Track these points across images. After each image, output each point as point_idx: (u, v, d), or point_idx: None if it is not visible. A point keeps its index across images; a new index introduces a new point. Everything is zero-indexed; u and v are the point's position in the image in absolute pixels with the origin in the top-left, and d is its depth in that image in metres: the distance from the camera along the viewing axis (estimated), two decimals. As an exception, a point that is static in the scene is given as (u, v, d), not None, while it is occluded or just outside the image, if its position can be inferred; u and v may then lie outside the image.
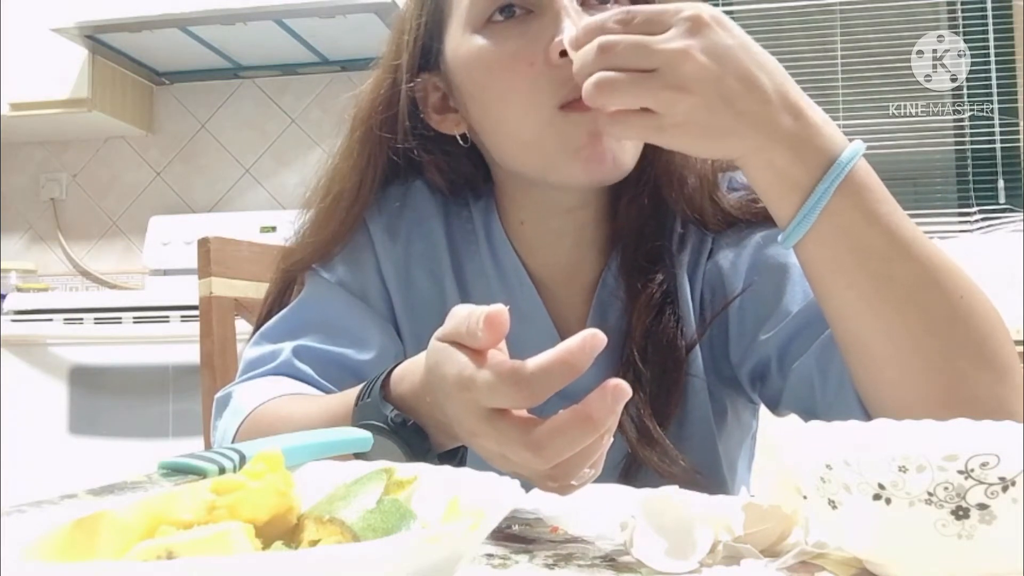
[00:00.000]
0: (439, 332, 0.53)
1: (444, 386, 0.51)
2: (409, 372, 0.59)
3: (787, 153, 0.58)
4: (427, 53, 0.78)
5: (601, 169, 0.71)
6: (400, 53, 0.79)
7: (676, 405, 0.75)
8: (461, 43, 0.74)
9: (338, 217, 0.81)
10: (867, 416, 0.66)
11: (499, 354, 0.49)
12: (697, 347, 0.78)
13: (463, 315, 0.51)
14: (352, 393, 0.62)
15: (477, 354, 0.49)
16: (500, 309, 0.48)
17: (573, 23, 0.68)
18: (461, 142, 0.79)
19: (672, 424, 0.75)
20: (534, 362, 0.46)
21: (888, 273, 0.59)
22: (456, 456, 0.60)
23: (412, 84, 0.78)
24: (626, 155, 0.72)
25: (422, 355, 0.57)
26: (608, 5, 0.73)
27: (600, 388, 0.46)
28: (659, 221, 0.80)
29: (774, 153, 0.58)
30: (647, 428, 0.73)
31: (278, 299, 0.86)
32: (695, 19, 0.57)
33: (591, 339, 0.46)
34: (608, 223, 0.81)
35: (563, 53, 0.67)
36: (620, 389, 0.45)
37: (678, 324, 0.77)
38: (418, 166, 0.82)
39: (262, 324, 0.83)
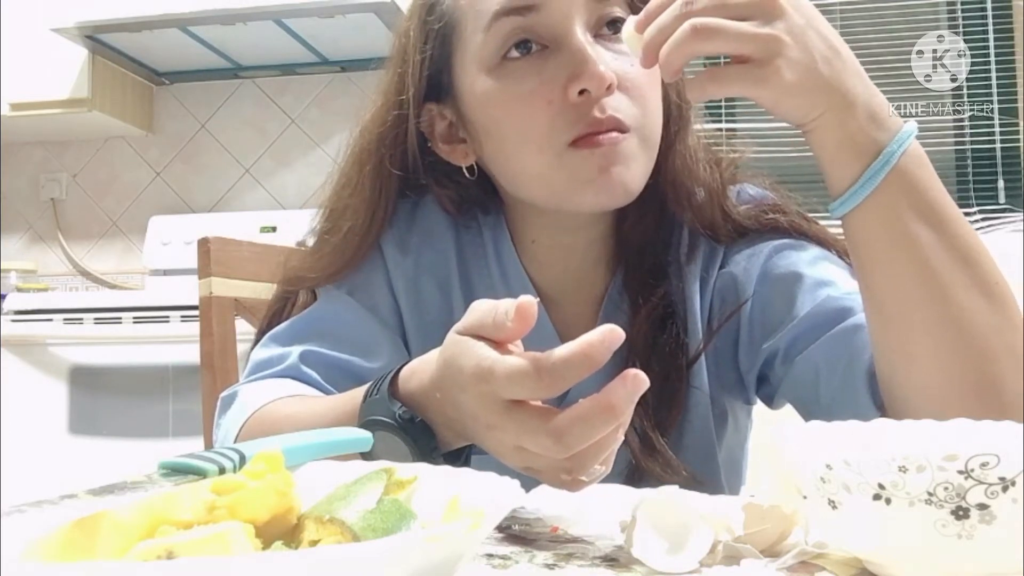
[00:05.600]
0: (458, 326, 0.53)
1: (460, 378, 0.51)
2: (419, 369, 0.59)
3: (861, 116, 0.60)
4: (434, 85, 0.78)
5: (612, 196, 0.71)
6: (404, 85, 0.78)
7: (677, 416, 0.76)
8: (475, 81, 0.74)
9: (350, 252, 0.81)
10: (873, 402, 0.66)
11: (519, 347, 0.50)
12: (702, 357, 0.78)
13: (487, 308, 0.51)
14: (359, 392, 0.62)
15: (498, 346, 0.50)
16: (531, 300, 0.49)
17: (594, 58, 0.69)
18: (467, 174, 0.79)
19: (672, 434, 0.75)
20: (556, 353, 0.47)
21: (946, 237, 0.61)
22: (461, 456, 0.60)
23: (418, 119, 0.78)
24: (634, 180, 0.72)
25: (433, 352, 0.57)
26: (614, 35, 0.73)
27: (620, 377, 0.47)
28: (664, 235, 0.81)
29: (847, 115, 0.60)
30: (650, 439, 0.73)
31: (279, 313, 0.86)
32: None
33: (609, 334, 0.47)
34: (615, 238, 0.82)
35: (582, 92, 0.69)
36: (639, 379, 0.46)
37: (680, 337, 0.77)
38: (427, 187, 0.83)
39: (262, 335, 0.84)
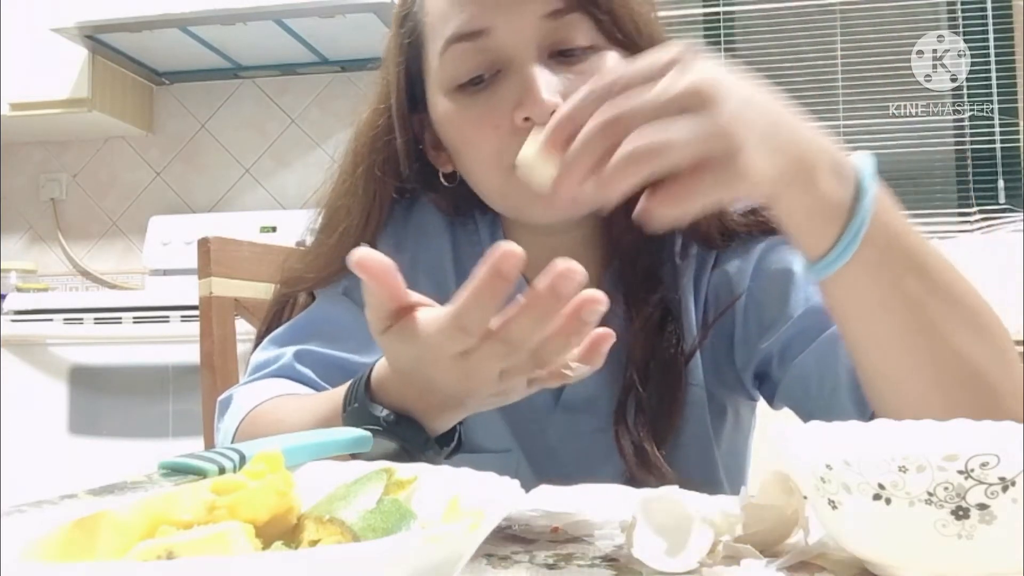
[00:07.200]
0: (371, 331, 0.55)
1: (416, 364, 0.54)
2: (386, 373, 0.60)
3: (827, 171, 0.54)
4: (411, 96, 0.79)
5: (563, 210, 0.72)
6: (389, 94, 0.79)
7: (676, 424, 0.75)
8: (437, 101, 0.76)
9: (345, 252, 0.81)
10: (859, 412, 0.66)
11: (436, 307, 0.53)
12: (698, 354, 0.78)
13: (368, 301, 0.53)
14: (339, 394, 0.62)
15: (401, 312, 0.53)
16: (364, 251, 0.51)
17: (544, 84, 0.68)
18: (445, 182, 0.80)
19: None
20: (461, 290, 0.50)
21: (930, 280, 0.57)
22: (453, 437, 0.61)
23: (405, 126, 0.79)
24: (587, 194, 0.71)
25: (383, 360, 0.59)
26: (575, 55, 0.71)
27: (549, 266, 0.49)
28: (657, 238, 0.80)
29: (811, 177, 0.54)
30: (645, 451, 0.73)
31: (278, 316, 0.86)
32: (679, 56, 0.51)
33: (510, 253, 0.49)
34: (606, 239, 0.81)
35: (526, 119, 0.69)
36: (571, 270, 0.49)
37: (678, 343, 0.77)
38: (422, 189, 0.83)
39: (261, 339, 0.84)
